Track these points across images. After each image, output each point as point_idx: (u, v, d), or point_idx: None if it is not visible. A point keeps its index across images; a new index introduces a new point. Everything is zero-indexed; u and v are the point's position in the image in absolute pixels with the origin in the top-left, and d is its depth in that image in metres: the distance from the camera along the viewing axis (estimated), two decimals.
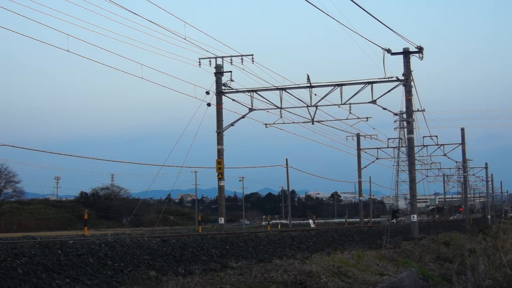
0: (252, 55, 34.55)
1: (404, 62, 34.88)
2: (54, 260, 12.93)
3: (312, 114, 36.44)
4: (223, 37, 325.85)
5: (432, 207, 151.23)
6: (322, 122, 38.35)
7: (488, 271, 17.35)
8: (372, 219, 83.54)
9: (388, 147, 62.23)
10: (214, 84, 35.55)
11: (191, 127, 34.71)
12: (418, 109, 39.62)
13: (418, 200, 39.66)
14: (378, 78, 34.22)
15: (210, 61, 35.25)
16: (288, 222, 79.39)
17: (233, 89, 35.60)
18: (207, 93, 34.91)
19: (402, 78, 34.65)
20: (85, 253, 13.91)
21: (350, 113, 36.02)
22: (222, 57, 35.27)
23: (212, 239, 20.15)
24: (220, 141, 35.49)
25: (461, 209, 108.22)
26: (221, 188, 35.84)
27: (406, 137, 42.07)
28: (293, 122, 37.72)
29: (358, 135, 60.63)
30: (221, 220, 35.52)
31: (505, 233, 24.77)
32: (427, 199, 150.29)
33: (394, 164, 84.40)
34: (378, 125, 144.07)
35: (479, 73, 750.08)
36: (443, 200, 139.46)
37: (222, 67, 35.62)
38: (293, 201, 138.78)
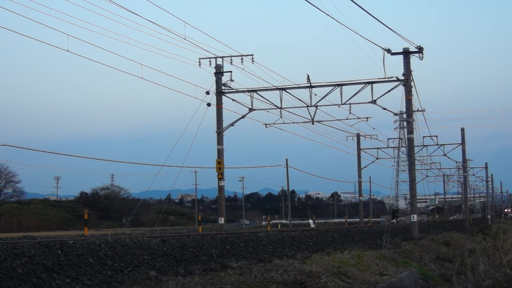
0: (252, 55, 34.59)
1: (404, 62, 34.89)
2: (54, 260, 12.93)
3: (312, 114, 36.48)
4: (223, 37, 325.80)
5: (432, 207, 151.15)
6: (322, 122, 38.40)
7: (488, 271, 17.32)
8: (372, 219, 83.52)
9: (388, 147, 62.20)
10: (214, 84, 35.55)
11: (191, 127, 34.72)
12: (418, 109, 39.62)
13: (418, 200, 39.66)
14: (378, 78, 34.22)
15: (210, 61, 35.26)
16: (288, 222, 79.36)
17: (233, 89, 35.60)
18: (207, 93, 34.94)
19: (402, 78, 34.64)
20: (85, 253, 13.91)
21: (350, 113, 36.05)
22: (222, 57, 35.26)
23: (212, 239, 20.14)
24: (220, 141, 35.48)
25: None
26: (221, 188, 35.84)
27: (406, 137, 42.02)
28: (293, 122, 37.76)
29: (358, 135, 60.62)
30: (221, 220, 35.52)
31: (505, 233, 24.76)
32: (427, 199, 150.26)
33: (394, 164, 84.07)
34: (378, 125, 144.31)
35: (479, 73, 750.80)
36: (443, 200, 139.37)
37: (222, 67, 35.62)
38: (293, 201, 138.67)
